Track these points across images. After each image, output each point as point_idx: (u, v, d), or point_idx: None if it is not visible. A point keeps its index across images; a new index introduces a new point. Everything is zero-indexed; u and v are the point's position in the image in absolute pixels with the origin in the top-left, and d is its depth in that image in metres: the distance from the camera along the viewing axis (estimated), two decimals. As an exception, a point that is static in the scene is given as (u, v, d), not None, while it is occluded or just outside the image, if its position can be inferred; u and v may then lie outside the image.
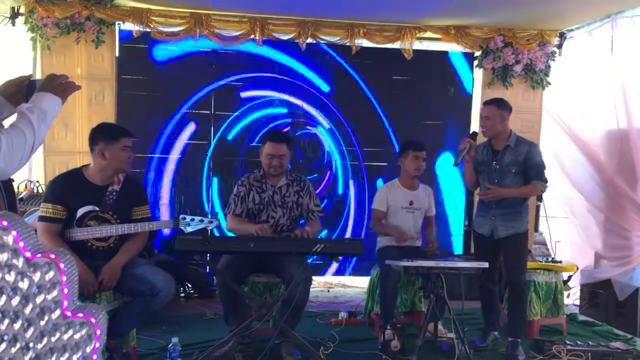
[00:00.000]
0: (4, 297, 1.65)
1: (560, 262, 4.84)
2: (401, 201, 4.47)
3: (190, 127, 5.70)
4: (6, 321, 1.65)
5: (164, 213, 5.63)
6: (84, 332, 1.81)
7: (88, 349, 1.82)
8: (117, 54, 5.36)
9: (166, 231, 5.40)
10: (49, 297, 1.75)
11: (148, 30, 5.25)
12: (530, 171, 4.06)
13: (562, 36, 5.77)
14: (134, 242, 3.51)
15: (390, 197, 4.48)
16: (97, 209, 3.42)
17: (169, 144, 5.66)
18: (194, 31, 5.30)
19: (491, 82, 5.73)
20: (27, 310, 1.69)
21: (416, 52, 5.68)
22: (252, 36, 5.43)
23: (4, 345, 1.64)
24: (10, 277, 1.66)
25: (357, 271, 6.04)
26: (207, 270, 5.56)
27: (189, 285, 5.59)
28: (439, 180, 6.06)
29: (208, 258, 4.75)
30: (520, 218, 4.12)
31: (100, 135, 3.45)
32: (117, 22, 5.28)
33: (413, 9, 5.21)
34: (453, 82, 6.07)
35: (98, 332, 1.82)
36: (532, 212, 5.49)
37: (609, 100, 5.16)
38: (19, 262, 1.68)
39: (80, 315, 1.81)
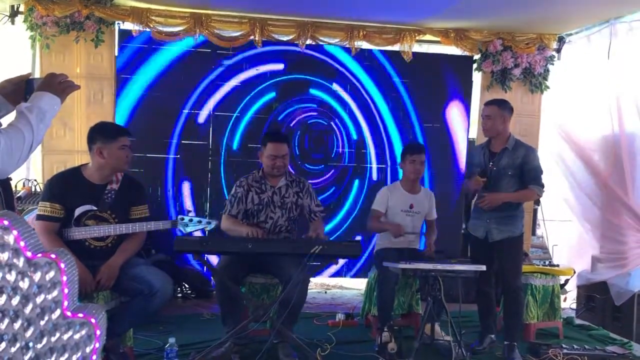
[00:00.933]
0: (4, 297, 1.65)
1: (558, 265, 4.85)
2: (401, 204, 4.47)
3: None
4: (6, 321, 1.64)
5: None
6: (83, 332, 1.81)
7: (88, 349, 1.82)
8: (116, 54, 5.36)
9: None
10: (49, 297, 1.75)
11: (148, 30, 5.25)
12: (527, 175, 4.07)
13: (561, 40, 5.78)
14: (132, 241, 3.51)
15: (391, 199, 4.48)
16: (95, 208, 3.42)
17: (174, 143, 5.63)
18: (193, 31, 5.31)
19: (490, 86, 5.75)
20: (27, 309, 1.69)
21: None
22: (251, 37, 5.44)
23: (3, 344, 1.63)
24: (11, 277, 1.65)
25: (356, 273, 6.03)
26: (204, 270, 5.55)
27: (186, 286, 5.59)
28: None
29: (205, 258, 4.74)
30: (515, 221, 4.14)
31: (99, 134, 3.45)
32: (116, 22, 5.28)
33: (412, 11, 5.22)
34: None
35: (98, 332, 1.82)
36: (529, 216, 5.52)
37: (605, 105, 5.19)
38: (20, 262, 1.68)
39: (80, 315, 1.81)
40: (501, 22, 5.45)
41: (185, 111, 5.63)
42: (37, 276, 1.72)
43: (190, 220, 3.50)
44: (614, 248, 5.19)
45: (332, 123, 5.88)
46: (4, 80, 2.31)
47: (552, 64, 5.78)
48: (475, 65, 5.90)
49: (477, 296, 4.34)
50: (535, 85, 5.75)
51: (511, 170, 4.07)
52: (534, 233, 5.86)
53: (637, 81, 4.95)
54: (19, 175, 5.00)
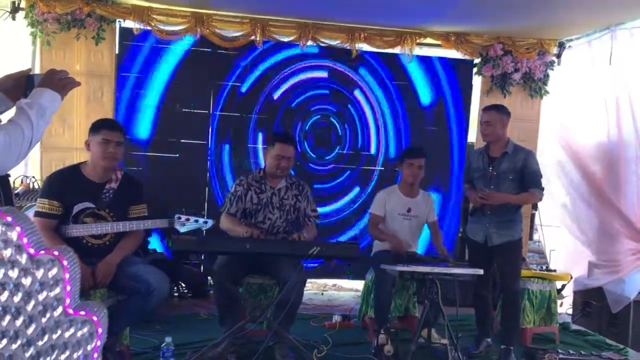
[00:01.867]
0: (6, 293, 1.64)
1: (555, 270, 4.86)
2: (399, 207, 4.46)
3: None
4: (8, 317, 1.63)
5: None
6: (85, 330, 1.80)
7: (89, 347, 1.81)
8: (116, 52, 5.35)
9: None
10: (52, 294, 1.74)
11: (149, 28, 5.25)
12: (527, 179, 4.08)
13: (561, 46, 5.80)
14: (130, 240, 3.51)
15: (388, 203, 4.47)
16: (94, 205, 3.41)
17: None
18: (194, 30, 5.31)
19: (490, 90, 5.77)
20: (29, 307, 1.68)
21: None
22: (252, 37, 5.44)
23: (5, 341, 1.62)
24: (14, 273, 1.64)
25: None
26: (202, 270, 5.54)
27: (183, 285, 5.57)
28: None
29: (203, 258, 4.74)
30: (515, 225, 4.14)
31: (91, 127, 3.48)
32: (117, 20, 5.28)
33: (414, 15, 5.23)
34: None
35: (100, 330, 1.82)
36: (527, 221, 5.53)
37: (604, 111, 5.21)
38: (23, 259, 1.67)
39: (82, 313, 1.80)
40: (502, 27, 5.47)
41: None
42: (39, 273, 1.71)
43: (187, 220, 3.49)
44: (608, 254, 5.21)
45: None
46: (4, 76, 2.30)
47: (552, 69, 5.80)
48: (475, 69, 5.92)
49: (474, 300, 4.34)
50: (535, 90, 5.77)
51: (512, 174, 4.07)
52: (531, 238, 5.87)
53: (637, 88, 4.97)
54: (17, 172, 5.00)
